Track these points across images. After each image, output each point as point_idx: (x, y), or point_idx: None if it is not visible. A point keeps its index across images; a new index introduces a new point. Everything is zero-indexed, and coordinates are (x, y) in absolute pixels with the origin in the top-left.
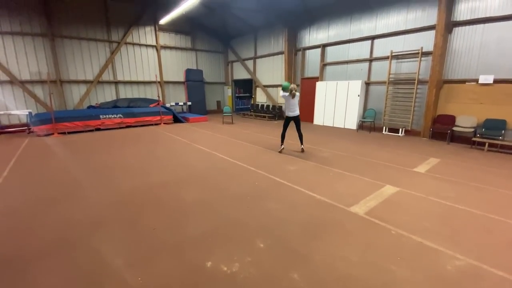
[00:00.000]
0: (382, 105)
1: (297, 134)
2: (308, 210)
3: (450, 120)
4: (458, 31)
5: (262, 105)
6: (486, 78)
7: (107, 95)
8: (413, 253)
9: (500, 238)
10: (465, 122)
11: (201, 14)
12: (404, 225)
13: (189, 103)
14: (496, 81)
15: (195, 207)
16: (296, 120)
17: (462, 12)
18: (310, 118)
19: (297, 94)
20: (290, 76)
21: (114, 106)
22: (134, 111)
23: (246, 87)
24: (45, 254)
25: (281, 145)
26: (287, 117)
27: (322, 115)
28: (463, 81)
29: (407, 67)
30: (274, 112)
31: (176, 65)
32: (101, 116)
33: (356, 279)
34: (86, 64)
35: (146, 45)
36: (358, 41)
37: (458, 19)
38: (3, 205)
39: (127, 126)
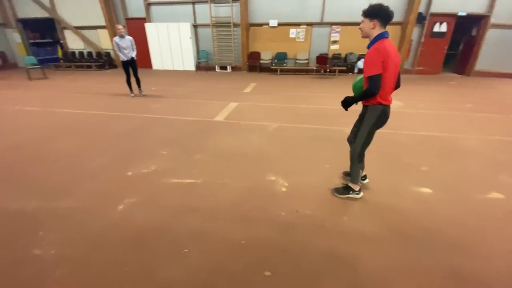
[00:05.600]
0: (211, 46)
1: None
2: (189, 127)
3: (258, 55)
4: None
5: (81, 53)
6: (273, 22)
7: None
8: (254, 129)
9: (289, 113)
10: (266, 56)
11: None
12: (246, 119)
13: None
14: (280, 24)
15: (83, 152)
16: (132, 64)
17: None
18: (148, 64)
19: (127, 37)
20: (110, 15)
21: None
22: None
23: (44, 30)
24: None
25: (131, 91)
26: (122, 61)
27: (160, 59)
28: (261, 25)
29: (224, 11)
30: (102, 60)
31: None
32: None
33: (234, 148)
34: None
35: None
36: None
37: None
38: None
39: None
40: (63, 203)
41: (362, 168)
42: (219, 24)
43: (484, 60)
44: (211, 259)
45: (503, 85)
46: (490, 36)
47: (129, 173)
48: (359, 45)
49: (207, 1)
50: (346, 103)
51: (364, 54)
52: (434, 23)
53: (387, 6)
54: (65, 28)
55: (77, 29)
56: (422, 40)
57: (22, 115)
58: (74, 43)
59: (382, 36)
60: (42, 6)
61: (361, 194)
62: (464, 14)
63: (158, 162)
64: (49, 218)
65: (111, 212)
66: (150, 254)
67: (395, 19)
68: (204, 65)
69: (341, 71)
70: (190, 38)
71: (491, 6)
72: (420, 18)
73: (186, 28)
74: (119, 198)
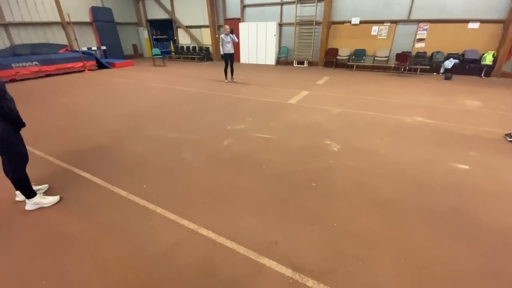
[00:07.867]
0: (292, 43)
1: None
2: (266, 105)
3: (335, 51)
4: None
5: (188, 47)
6: (355, 20)
7: None
8: (319, 111)
9: (353, 102)
10: (344, 52)
11: None
12: (314, 104)
13: (104, 47)
14: (361, 22)
15: (197, 113)
16: (230, 57)
17: None
18: (237, 58)
19: (231, 35)
20: (213, 17)
21: (14, 54)
22: (53, 57)
23: (163, 28)
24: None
25: (226, 78)
26: (224, 54)
27: (247, 54)
28: (342, 22)
29: (308, 11)
30: (202, 54)
31: (77, 2)
32: (13, 65)
33: (300, 122)
34: None
35: None
36: None
37: None
38: None
39: (47, 75)
40: (192, 136)
41: None
42: (302, 23)
43: None
44: (278, 174)
45: None
46: None
47: (228, 127)
48: (448, 44)
49: (294, 2)
50: None
51: (452, 53)
52: None
53: None
54: (179, 27)
55: (187, 28)
56: None
57: (155, 88)
58: (183, 39)
59: None
60: (166, 10)
61: None
62: None
63: (246, 124)
64: (187, 142)
65: (219, 144)
66: (242, 166)
67: (496, 16)
68: (283, 60)
69: (423, 70)
70: (274, 35)
71: None
72: None
73: (272, 27)
74: (224, 138)
